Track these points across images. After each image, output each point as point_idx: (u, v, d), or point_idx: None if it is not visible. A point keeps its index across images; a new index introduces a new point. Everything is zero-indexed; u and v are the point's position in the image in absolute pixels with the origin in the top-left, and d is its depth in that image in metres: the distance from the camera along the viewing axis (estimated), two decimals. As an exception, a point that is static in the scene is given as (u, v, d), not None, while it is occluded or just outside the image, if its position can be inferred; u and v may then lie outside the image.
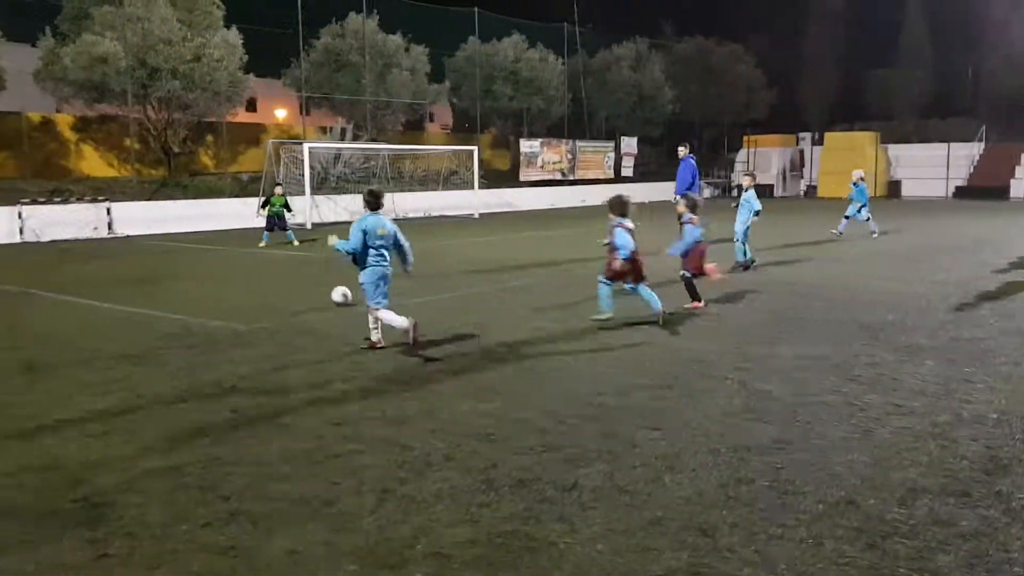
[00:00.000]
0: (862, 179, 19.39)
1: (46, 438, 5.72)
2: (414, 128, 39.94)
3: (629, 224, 9.17)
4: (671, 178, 18.22)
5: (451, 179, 31.44)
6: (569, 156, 37.15)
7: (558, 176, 36.76)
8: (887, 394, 6.57)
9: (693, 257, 10.09)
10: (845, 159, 37.71)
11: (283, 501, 4.63)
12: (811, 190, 41.57)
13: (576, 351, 8.08)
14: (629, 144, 40.31)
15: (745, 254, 13.85)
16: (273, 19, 29.46)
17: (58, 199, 22.55)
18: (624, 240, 8.98)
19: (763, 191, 41.65)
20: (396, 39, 32.64)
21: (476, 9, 35.18)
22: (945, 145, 39.19)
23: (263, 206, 18.80)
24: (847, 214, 19.32)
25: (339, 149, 29.32)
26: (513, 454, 5.29)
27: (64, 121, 28.61)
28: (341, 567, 3.91)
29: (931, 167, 38.92)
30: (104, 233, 22.27)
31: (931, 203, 34.97)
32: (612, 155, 39.54)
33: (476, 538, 4.18)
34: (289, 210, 19.39)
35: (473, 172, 30.28)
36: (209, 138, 31.33)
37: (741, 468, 5.06)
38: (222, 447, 5.48)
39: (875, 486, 4.79)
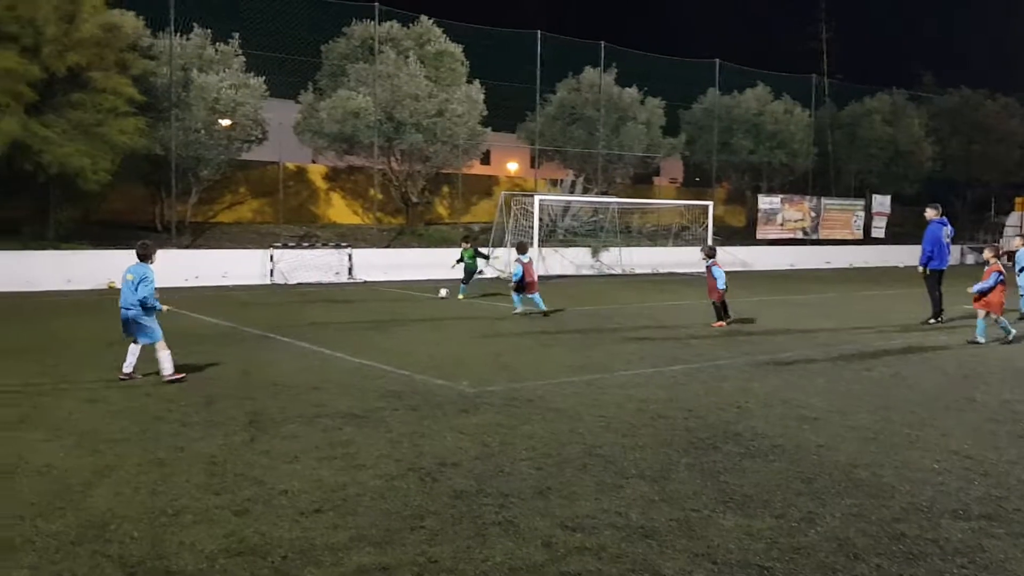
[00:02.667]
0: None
1: (257, 510, 5.23)
2: (643, 182, 39.13)
3: (524, 259, 15.03)
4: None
5: (682, 235, 30.22)
6: (813, 214, 34.64)
7: (799, 235, 34.37)
8: None
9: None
10: None
11: (508, 636, 3.72)
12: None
13: (854, 455, 6.64)
14: (881, 203, 36.98)
15: None
16: (512, 74, 29.91)
17: (306, 244, 23.82)
18: (518, 270, 15.16)
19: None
20: (632, 92, 32.22)
21: (717, 61, 33.98)
22: None
23: (457, 262, 19.16)
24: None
25: (569, 202, 29.06)
26: (799, 602, 4.07)
27: (317, 171, 30.58)
28: None
29: None
30: (344, 278, 23.18)
31: None
32: (861, 214, 36.44)
33: None
34: (484, 257, 19.82)
35: (707, 228, 28.90)
36: (445, 189, 32.27)
37: None
38: (440, 545, 4.70)
39: None
